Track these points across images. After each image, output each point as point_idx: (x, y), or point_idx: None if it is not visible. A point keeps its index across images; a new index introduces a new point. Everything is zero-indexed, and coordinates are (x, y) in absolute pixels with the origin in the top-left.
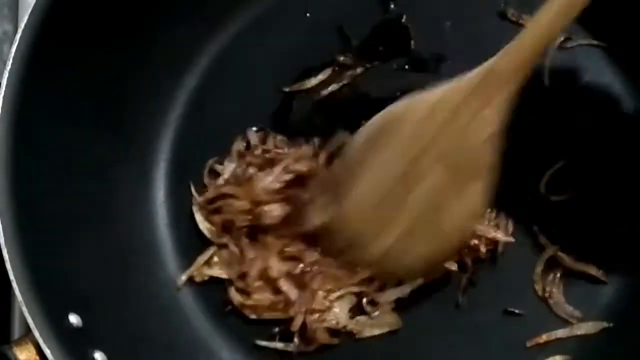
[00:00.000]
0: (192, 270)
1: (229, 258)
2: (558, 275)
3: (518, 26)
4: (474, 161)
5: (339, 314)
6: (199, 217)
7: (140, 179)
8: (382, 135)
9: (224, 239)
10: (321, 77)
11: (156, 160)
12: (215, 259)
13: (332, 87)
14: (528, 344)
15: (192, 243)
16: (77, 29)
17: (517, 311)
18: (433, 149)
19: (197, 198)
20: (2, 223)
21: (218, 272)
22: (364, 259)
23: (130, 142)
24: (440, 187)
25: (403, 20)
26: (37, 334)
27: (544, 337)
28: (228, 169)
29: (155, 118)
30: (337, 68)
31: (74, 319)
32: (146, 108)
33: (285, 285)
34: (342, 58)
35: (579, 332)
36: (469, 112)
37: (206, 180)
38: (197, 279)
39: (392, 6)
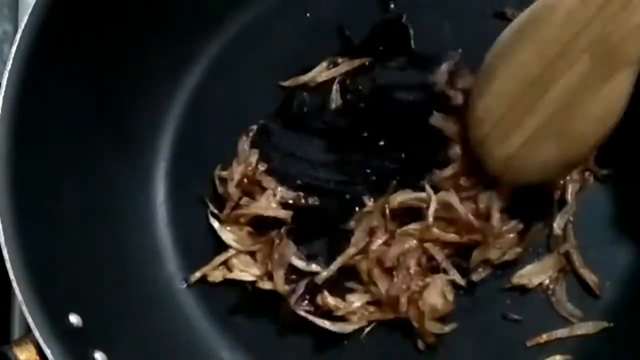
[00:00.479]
0: (208, 269)
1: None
2: (562, 272)
3: None
4: (623, 49)
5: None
6: (220, 229)
7: (140, 179)
8: (528, 28)
9: (254, 247)
10: (318, 69)
11: (156, 160)
12: (235, 261)
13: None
14: (528, 344)
15: (192, 243)
16: (77, 29)
17: (516, 317)
18: (582, 39)
19: (216, 211)
20: (2, 223)
21: (240, 274)
22: (493, 162)
23: (130, 142)
24: (580, 81)
25: (403, 20)
26: (37, 334)
27: (544, 337)
28: (237, 171)
29: (155, 118)
30: (331, 65)
31: (74, 319)
32: (146, 108)
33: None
34: (339, 59)
35: (579, 332)
36: None
37: (220, 189)
38: (211, 278)
39: (392, 6)
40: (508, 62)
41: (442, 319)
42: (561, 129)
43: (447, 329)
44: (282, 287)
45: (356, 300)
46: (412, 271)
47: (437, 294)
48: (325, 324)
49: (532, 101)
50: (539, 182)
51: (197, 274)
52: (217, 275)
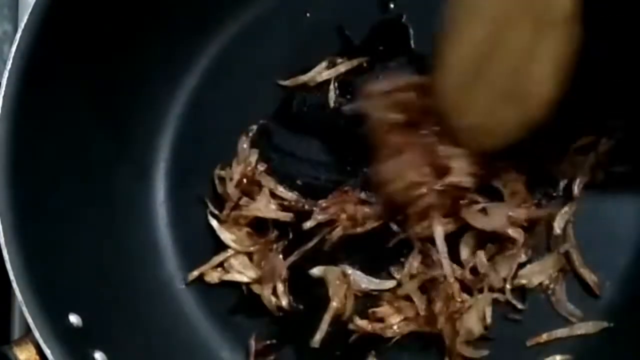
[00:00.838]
0: (207, 268)
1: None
2: (562, 272)
3: None
4: (552, 6)
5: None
6: (219, 229)
7: (140, 179)
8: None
9: (252, 247)
10: (317, 69)
11: (156, 160)
12: (233, 261)
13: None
14: (528, 344)
15: (191, 243)
16: (77, 29)
17: (516, 317)
18: (515, 3)
19: (215, 211)
20: (2, 223)
21: (236, 276)
22: (462, 133)
23: (130, 142)
24: (524, 43)
25: (403, 20)
26: (37, 334)
27: (544, 337)
28: (236, 171)
29: (155, 118)
30: (331, 65)
31: (74, 319)
32: (146, 108)
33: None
34: (339, 59)
35: (579, 332)
36: None
37: (219, 189)
38: (208, 278)
39: (391, 6)
40: (459, 32)
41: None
42: (514, 91)
43: (479, 354)
44: (268, 301)
45: (391, 318)
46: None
47: (476, 318)
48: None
49: (485, 69)
50: (505, 145)
51: (195, 273)
52: (214, 276)
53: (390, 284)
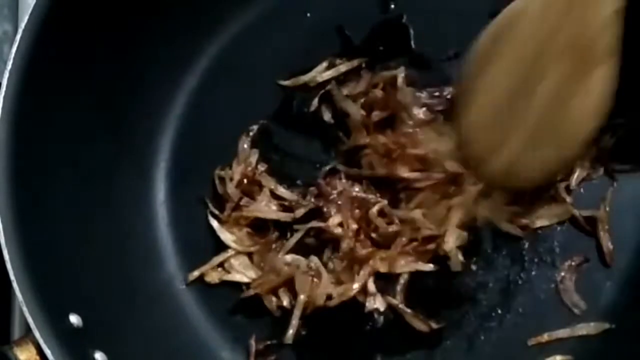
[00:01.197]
0: (207, 268)
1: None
2: (575, 262)
3: None
4: (595, 45)
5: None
6: (219, 230)
7: (140, 179)
8: (500, 39)
9: (252, 247)
10: (318, 69)
11: (156, 161)
12: (233, 261)
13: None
14: (529, 343)
15: (191, 243)
16: (77, 29)
17: (520, 309)
18: (558, 38)
19: (216, 212)
20: (2, 223)
21: (236, 276)
22: (491, 172)
23: (131, 142)
24: (563, 81)
25: (403, 20)
26: (37, 334)
27: (545, 337)
28: (237, 171)
29: (155, 118)
30: (331, 65)
31: (74, 319)
32: (146, 108)
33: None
34: (339, 60)
35: (580, 333)
36: None
37: (220, 189)
38: (208, 279)
39: (392, 6)
40: (487, 71)
41: None
42: (553, 130)
43: None
44: (269, 301)
45: None
46: None
47: None
48: None
49: (518, 108)
50: (542, 183)
51: (195, 273)
52: (214, 276)
53: None
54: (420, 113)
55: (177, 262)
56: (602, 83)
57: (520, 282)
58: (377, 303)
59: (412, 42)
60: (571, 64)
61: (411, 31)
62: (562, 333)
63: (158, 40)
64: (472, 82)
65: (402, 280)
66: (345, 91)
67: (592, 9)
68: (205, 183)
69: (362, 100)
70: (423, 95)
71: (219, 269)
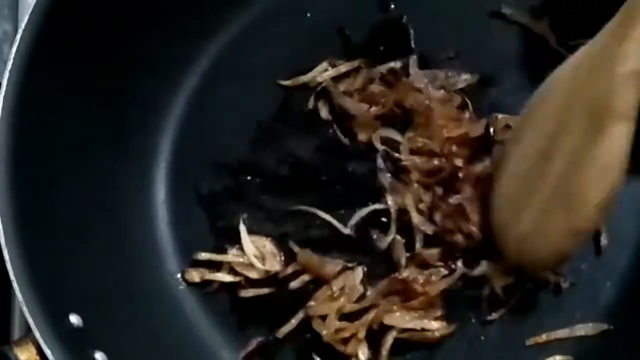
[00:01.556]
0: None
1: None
2: None
3: (517, 25)
4: (612, 105)
5: None
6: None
7: (140, 179)
8: (532, 109)
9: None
10: (318, 69)
11: (156, 161)
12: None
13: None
14: (528, 343)
15: (191, 243)
16: (77, 29)
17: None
18: (577, 105)
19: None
20: (2, 223)
21: (228, 277)
22: (508, 245)
23: (131, 142)
24: (579, 145)
25: (403, 20)
26: (37, 334)
27: (544, 337)
28: None
29: (155, 118)
30: (331, 65)
31: (74, 319)
32: (146, 108)
33: None
34: (339, 60)
35: (579, 333)
36: (611, 50)
37: None
38: (208, 276)
39: (392, 6)
40: (518, 143)
41: None
42: (566, 195)
43: None
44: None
45: None
46: None
47: None
48: None
49: (537, 176)
50: (554, 259)
51: (195, 275)
52: (214, 276)
53: None
54: (436, 93)
55: (177, 262)
56: (617, 145)
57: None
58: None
59: (412, 42)
60: (587, 126)
61: (411, 31)
62: (561, 333)
63: (158, 40)
64: (506, 156)
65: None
66: (342, 87)
67: (610, 70)
68: (205, 183)
69: (359, 96)
70: (440, 75)
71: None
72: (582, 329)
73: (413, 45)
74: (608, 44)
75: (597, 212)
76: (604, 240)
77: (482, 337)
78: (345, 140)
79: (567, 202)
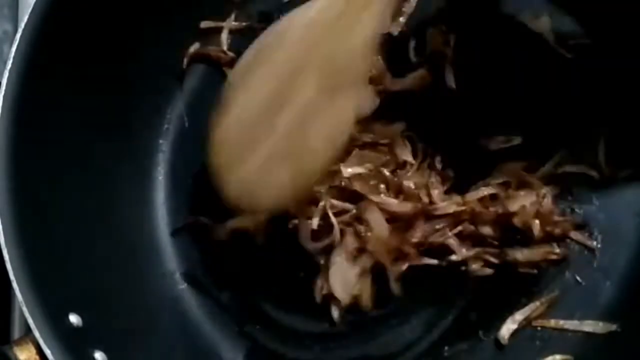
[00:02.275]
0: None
1: None
2: None
3: (516, 25)
4: (348, 69)
5: None
6: None
7: (140, 179)
8: (263, 51)
9: None
10: None
11: (156, 161)
12: None
13: None
14: (534, 323)
15: (191, 243)
16: (77, 28)
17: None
18: (312, 59)
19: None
20: (2, 223)
21: None
22: (227, 189)
23: (131, 142)
24: (311, 102)
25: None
26: (37, 333)
27: (552, 323)
28: None
29: (155, 118)
30: None
31: (74, 318)
32: (146, 108)
33: None
34: None
35: (586, 329)
36: (349, 18)
37: None
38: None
39: None
40: (245, 86)
41: None
42: (292, 150)
43: None
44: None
45: None
46: None
47: None
48: None
49: (266, 124)
50: (273, 208)
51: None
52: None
53: None
54: None
55: (177, 262)
56: (347, 108)
57: None
58: None
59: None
60: (321, 84)
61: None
62: (570, 325)
63: (158, 40)
64: (230, 97)
65: None
66: None
67: (353, 32)
68: (205, 183)
69: None
70: None
71: None
72: (591, 326)
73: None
74: (346, 12)
75: (323, 170)
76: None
77: (483, 338)
78: None
79: (295, 156)
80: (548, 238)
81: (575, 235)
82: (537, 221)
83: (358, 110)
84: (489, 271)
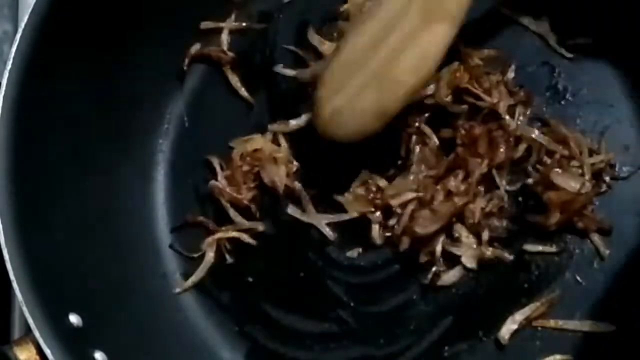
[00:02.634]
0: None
1: None
2: None
3: (515, 25)
4: (444, 4)
5: None
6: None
7: (140, 179)
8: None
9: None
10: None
11: (156, 161)
12: None
13: None
14: (534, 324)
15: (191, 243)
16: (77, 28)
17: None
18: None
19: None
20: (2, 223)
21: None
22: (320, 118)
23: (131, 142)
24: (405, 33)
25: None
26: (37, 333)
27: (551, 323)
28: None
29: (155, 118)
30: None
31: (74, 318)
32: (146, 108)
33: None
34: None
35: (585, 329)
36: None
37: None
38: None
39: None
40: (353, 32)
41: None
42: (380, 77)
43: None
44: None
45: None
46: None
47: None
48: None
49: (363, 60)
50: (356, 134)
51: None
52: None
53: None
54: None
55: (177, 262)
56: (437, 41)
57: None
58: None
59: None
60: (418, 17)
61: None
62: (570, 325)
63: (159, 40)
64: (353, 28)
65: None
66: None
67: None
68: (205, 183)
69: None
70: None
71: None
72: (591, 326)
73: None
74: None
75: (404, 98)
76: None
77: (483, 338)
78: None
79: (381, 85)
80: (566, 223)
81: (594, 237)
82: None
83: (444, 46)
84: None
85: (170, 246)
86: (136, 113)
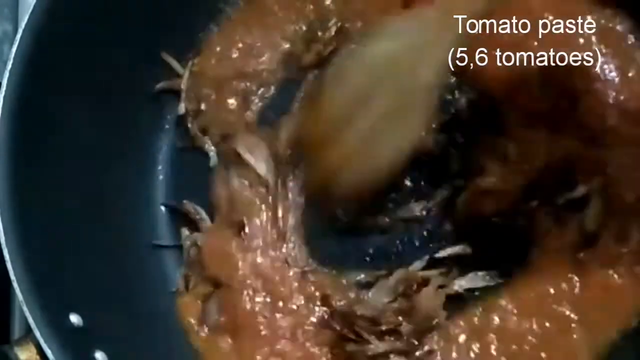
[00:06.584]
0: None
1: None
2: None
3: None
4: (418, 98)
5: None
6: None
7: (140, 179)
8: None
9: None
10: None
11: (156, 161)
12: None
13: None
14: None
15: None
16: (77, 28)
17: None
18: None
19: None
20: (2, 223)
21: None
22: (323, 166)
23: (131, 142)
24: (382, 117)
25: None
26: (37, 333)
27: None
28: None
29: (155, 118)
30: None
31: (74, 318)
32: (146, 108)
33: None
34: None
35: None
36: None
37: None
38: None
39: None
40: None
41: None
42: (379, 140)
43: None
44: None
45: None
46: None
47: None
48: None
49: (359, 114)
50: (351, 192)
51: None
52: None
53: None
54: None
55: (177, 262)
56: (414, 131)
57: None
58: None
59: None
60: (391, 106)
61: None
62: None
63: (158, 40)
64: (334, 78)
65: None
66: None
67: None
68: (205, 184)
69: None
70: None
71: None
72: None
73: None
74: (429, 40)
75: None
76: None
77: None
78: None
79: (364, 159)
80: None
81: None
82: None
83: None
84: None
85: (170, 246)
86: (136, 113)
